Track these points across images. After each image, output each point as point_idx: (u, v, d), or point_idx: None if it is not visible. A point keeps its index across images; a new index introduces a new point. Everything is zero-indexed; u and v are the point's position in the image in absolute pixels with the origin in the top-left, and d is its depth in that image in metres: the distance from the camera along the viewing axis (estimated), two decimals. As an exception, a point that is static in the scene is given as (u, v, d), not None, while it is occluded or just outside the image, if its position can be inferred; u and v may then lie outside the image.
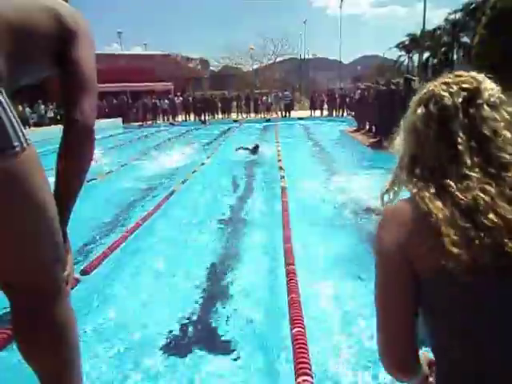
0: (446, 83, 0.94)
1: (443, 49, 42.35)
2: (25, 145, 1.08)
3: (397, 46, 49.98)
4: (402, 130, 1.00)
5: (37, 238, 1.15)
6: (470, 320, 0.83)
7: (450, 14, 41.63)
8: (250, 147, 10.07)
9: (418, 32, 36.69)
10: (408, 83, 10.37)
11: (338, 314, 2.90)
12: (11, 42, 1.10)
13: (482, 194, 0.81)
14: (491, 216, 0.79)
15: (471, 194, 0.82)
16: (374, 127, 12.32)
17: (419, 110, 0.94)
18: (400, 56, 50.50)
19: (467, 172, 0.85)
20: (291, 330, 2.37)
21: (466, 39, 40.27)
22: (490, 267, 0.79)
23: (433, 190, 0.86)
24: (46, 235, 1.17)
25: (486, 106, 0.89)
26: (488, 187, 0.82)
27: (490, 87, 0.92)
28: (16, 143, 1.05)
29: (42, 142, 5.90)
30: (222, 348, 2.61)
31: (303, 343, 2.23)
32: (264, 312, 2.99)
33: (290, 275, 3.05)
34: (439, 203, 0.84)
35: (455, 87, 0.92)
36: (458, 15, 40.64)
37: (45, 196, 1.14)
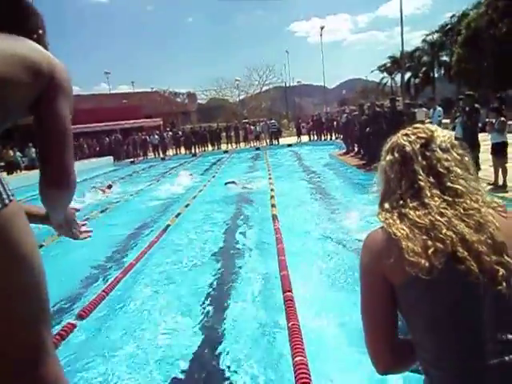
0: (406, 134, 1.17)
1: (424, 68, 43.43)
2: (6, 200, 1.07)
3: (379, 69, 51.24)
4: (377, 174, 1.22)
5: (19, 295, 1.10)
6: (432, 313, 1.00)
7: (427, 35, 43.04)
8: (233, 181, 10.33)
9: (398, 54, 37.67)
10: (393, 104, 10.59)
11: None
12: None
13: (439, 217, 1.02)
14: (446, 231, 1.00)
15: (428, 218, 1.03)
16: (361, 150, 12.47)
17: (387, 157, 1.17)
18: (383, 78, 51.74)
19: (427, 201, 1.06)
20: (293, 358, 2.35)
21: (445, 58, 41.42)
22: (445, 269, 0.97)
23: (395, 217, 1.08)
24: (28, 291, 1.12)
25: (439, 150, 1.11)
26: (445, 211, 1.03)
27: (442, 135, 1.15)
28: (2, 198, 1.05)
29: (35, 185, 5.87)
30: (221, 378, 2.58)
31: (306, 373, 2.21)
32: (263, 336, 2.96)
33: (288, 302, 3.04)
34: (401, 225, 1.05)
35: (413, 137, 1.15)
36: (435, 36, 41.93)
37: (27, 248, 1.11)
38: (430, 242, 0.99)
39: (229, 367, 2.73)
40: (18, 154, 19.95)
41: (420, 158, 1.11)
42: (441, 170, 1.09)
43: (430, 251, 0.98)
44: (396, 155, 1.15)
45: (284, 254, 4.16)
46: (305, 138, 24.27)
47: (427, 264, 0.97)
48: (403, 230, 1.03)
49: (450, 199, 1.05)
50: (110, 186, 11.29)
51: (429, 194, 1.06)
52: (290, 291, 3.24)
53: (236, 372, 2.67)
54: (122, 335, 3.28)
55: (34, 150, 21.67)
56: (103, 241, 6.05)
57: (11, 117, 1.23)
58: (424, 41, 43.30)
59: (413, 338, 1.07)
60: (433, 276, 0.97)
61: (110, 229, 6.83)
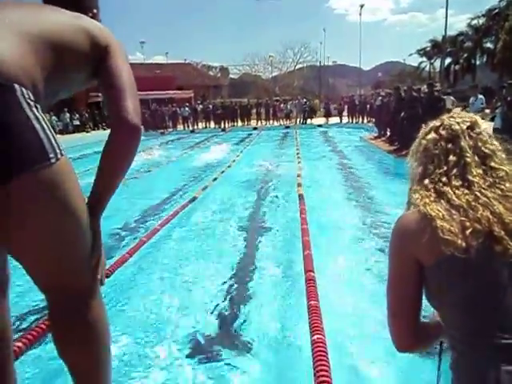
0: (451, 117, 1.20)
1: (465, 54, 41.76)
2: (59, 155, 1.14)
3: (418, 53, 49.55)
4: (413, 153, 1.24)
5: (71, 243, 1.22)
6: (465, 291, 1.01)
7: (472, 19, 41.12)
8: None
9: (440, 38, 36.29)
10: (431, 89, 10.26)
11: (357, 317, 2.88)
12: (49, 60, 1.18)
13: (479, 196, 1.05)
14: (483, 212, 1.02)
15: (466, 198, 1.05)
16: (394, 135, 12.19)
17: (430, 136, 1.19)
18: (421, 62, 50.06)
19: (471, 178, 1.08)
20: (311, 336, 2.36)
21: (488, 45, 39.66)
22: (481, 248, 0.98)
23: (432, 197, 1.09)
24: (79, 240, 1.24)
25: (484, 133, 1.16)
26: (485, 191, 1.06)
27: (484, 124, 1.19)
28: (51, 155, 1.12)
29: (67, 149, 6.03)
30: (241, 351, 2.63)
31: (323, 350, 2.22)
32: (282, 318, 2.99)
33: (310, 282, 3.04)
34: (436, 206, 1.06)
35: (459, 119, 1.18)
36: (481, 20, 40.06)
37: (77, 204, 1.21)
38: (467, 223, 1.01)
39: (248, 342, 2.78)
40: (54, 118, 20.67)
41: (467, 137, 1.14)
42: (486, 151, 1.12)
43: (466, 231, 1.00)
44: (442, 132, 1.17)
45: (308, 235, 4.16)
46: (335, 120, 23.92)
47: (463, 243, 0.98)
48: (439, 210, 1.05)
49: (492, 180, 1.08)
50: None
51: (474, 172, 1.09)
52: (311, 271, 3.24)
53: (254, 346, 2.72)
54: (142, 297, 3.39)
55: (68, 115, 22.25)
56: (131, 205, 6.26)
57: (69, 85, 1.38)
58: (469, 25, 41.49)
59: (441, 316, 1.10)
60: (468, 255, 0.98)
61: (136, 195, 7.01)
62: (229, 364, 2.52)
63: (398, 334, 1.14)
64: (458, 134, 1.15)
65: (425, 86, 11.01)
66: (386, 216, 5.21)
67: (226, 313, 3.15)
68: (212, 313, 3.13)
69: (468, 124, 1.16)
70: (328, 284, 3.28)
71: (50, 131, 1.14)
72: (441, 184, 1.10)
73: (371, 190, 7.04)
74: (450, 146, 1.14)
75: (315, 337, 2.32)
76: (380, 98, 15.79)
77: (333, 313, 2.85)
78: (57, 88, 1.30)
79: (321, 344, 2.28)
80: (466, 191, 1.06)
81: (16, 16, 1.20)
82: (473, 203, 1.03)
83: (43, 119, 1.13)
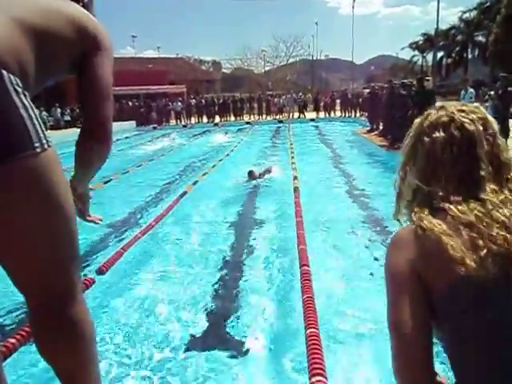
0: (462, 111, 0.96)
1: (457, 48, 41.90)
2: (45, 146, 1.11)
3: (410, 46, 49.66)
4: (409, 154, 1.02)
5: (54, 238, 1.17)
6: (481, 321, 0.83)
7: (464, 12, 41.27)
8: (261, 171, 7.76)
9: (432, 31, 36.35)
10: (421, 84, 10.27)
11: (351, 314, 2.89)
12: (37, 48, 1.15)
13: (494, 213, 0.86)
14: (499, 230, 0.84)
15: (477, 214, 0.87)
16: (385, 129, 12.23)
17: (437, 134, 0.95)
18: (414, 56, 50.19)
19: (484, 194, 0.89)
20: (305, 330, 2.37)
21: (480, 38, 39.82)
22: (497, 270, 0.81)
23: (427, 212, 0.92)
24: (62, 235, 1.19)
25: (498, 135, 0.96)
26: (500, 208, 0.87)
27: (493, 119, 0.98)
28: (37, 144, 1.08)
29: (58, 144, 5.98)
30: (234, 345, 2.64)
31: (317, 344, 2.23)
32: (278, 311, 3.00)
33: (304, 275, 3.05)
34: (437, 221, 0.89)
35: (472, 115, 0.95)
36: (473, 14, 40.19)
37: (63, 195, 1.17)
38: (479, 241, 0.84)
39: (243, 331, 2.79)
40: (45, 113, 20.42)
41: (484, 142, 0.93)
42: (503, 159, 0.94)
43: (480, 251, 0.83)
44: (455, 133, 0.94)
45: (303, 228, 4.17)
46: (321, 115, 23.94)
47: (478, 265, 0.82)
48: (440, 225, 0.88)
49: (508, 194, 0.90)
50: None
51: (488, 188, 0.90)
52: (306, 265, 3.25)
53: (248, 336, 2.73)
54: (138, 291, 3.38)
55: (59, 110, 22.05)
56: (123, 202, 6.25)
57: (54, 73, 1.34)
58: (460, 19, 41.62)
59: (451, 353, 0.90)
60: (483, 276, 0.81)
61: (130, 189, 6.99)
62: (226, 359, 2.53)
63: (409, 380, 0.89)
64: (473, 138, 0.93)
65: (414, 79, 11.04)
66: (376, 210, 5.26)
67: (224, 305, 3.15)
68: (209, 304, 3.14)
69: (482, 122, 0.95)
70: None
71: (38, 121, 1.11)
72: (445, 198, 0.92)
73: (362, 183, 7.06)
74: (463, 152, 0.93)
75: (308, 331, 2.34)
76: (368, 90, 15.80)
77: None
78: (44, 75, 1.26)
79: (315, 337, 2.29)
80: (479, 208, 0.88)
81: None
82: (486, 220, 0.86)
83: (31, 108, 1.10)
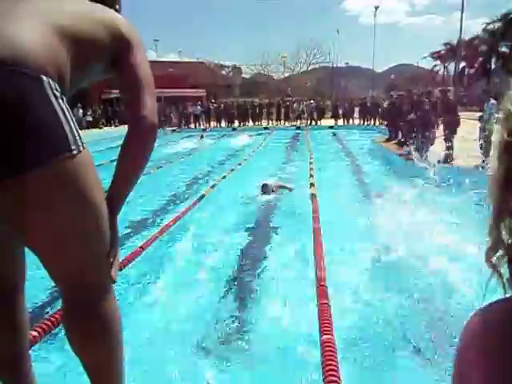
0: None
1: (480, 58, 41.32)
2: (81, 147, 1.16)
3: (431, 56, 49.19)
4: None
5: (88, 237, 1.22)
6: None
7: (488, 23, 40.66)
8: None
9: (455, 41, 35.94)
10: (444, 95, 10.16)
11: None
12: (74, 53, 1.20)
13: None
14: None
15: None
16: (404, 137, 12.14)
17: None
18: (435, 65, 49.68)
19: None
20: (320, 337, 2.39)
21: (504, 49, 39.22)
22: None
23: None
24: (96, 234, 1.24)
25: None
26: None
27: None
28: (73, 146, 1.13)
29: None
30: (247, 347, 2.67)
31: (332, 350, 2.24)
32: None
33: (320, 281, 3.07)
34: None
35: None
36: (497, 25, 39.62)
37: (97, 196, 1.21)
38: None
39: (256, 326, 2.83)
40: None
41: None
42: None
43: None
44: None
45: (320, 234, 4.21)
46: (340, 122, 23.83)
47: None
48: None
49: None
50: (201, 137, 17.58)
51: None
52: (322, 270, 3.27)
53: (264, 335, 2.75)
54: (155, 288, 3.47)
55: (81, 111, 22.47)
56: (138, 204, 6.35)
57: (89, 76, 1.37)
58: (484, 30, 41.03)
59: None
60: None
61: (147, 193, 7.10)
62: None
63: None
64: None
65: (437, 91, 10.96)
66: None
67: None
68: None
69: None
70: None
71: (74, 123, 1.15)
72: None
73: (378, 189, 7.03)
74: None
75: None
76: (387, 101, 15.72)
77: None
78: (79, 79, 1.30)
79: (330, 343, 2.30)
80: None
81: (43, 5, 1.20)
82: None
83: (68, 111, 1.14)
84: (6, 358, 1.42)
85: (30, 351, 1.53)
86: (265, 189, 6.63)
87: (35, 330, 2.37)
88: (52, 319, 2.53)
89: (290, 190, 6.91)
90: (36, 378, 1.54)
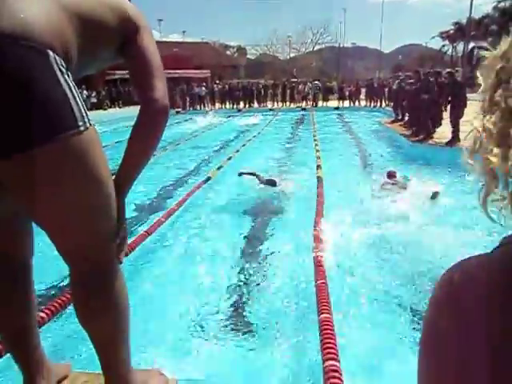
0: None
1: (490, 38, 40.51)
2: (87, 124, 1.16)
3: (440, 35, 48.29)
4: None
5: (95, 212, 1.23)
6: None
7: (499, 1, 39.79)
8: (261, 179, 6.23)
9: (464, 20, 35.25)
10: (452, 78, 9.99)
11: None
12: (81, 34, 1.19)
13: None
14: None
15: None
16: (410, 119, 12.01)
17: None
18: (443, 45, 48.82)
19: None
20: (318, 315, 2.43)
21: (515, 28, 38.41)
22: None
23: None
24: (103, 210, 1.25)
25: None
26: None
27: None
28: (80, 122, 1.13)
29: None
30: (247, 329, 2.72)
31: (330, 329, 2.28)
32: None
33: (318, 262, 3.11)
34: None
35: None
36: (508, 3, 38.75)
37: (104, 173, 1.22)
38: None
39: (257, 315, 2.87)
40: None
41: None
42: None
43: None
44: None
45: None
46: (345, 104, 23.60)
47: None
48: None
49: None
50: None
51: None
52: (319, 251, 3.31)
53: (261, 321, 2.80)
54: (160, 273, 3.51)
55: (85, 92, 22.38)
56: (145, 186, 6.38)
57: (96, 59, 1.38)
58: (495, 8, 40.17)
59: None
60: None
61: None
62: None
63: None
64: None
65: (444, 72, 10.77)
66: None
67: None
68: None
69: None
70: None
71: (80, 100, 1.16)
72: None
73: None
74: None
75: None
76: (397, 81, 15.50)
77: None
78: (88, 63, 1.30)
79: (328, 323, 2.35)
80: None
81: None
82: None
83: (74, 87, 1.14)
84: (14, 331, 1.46)
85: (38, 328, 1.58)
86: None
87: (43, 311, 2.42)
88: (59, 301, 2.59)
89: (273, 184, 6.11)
90: (45, 354, 1.58)
